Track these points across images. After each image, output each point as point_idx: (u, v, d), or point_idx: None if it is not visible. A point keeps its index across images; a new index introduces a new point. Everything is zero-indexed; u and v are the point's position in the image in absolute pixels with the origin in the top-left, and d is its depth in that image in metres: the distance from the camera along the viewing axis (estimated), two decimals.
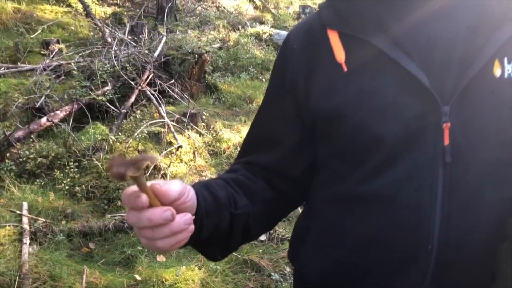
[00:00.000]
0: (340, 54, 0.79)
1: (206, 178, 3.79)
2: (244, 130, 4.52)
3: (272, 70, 0.95)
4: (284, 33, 8.54)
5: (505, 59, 0.73)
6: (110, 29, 6.08)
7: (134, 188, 0.63)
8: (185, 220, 0.65)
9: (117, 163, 0.59)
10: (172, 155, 3.89)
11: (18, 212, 2.99)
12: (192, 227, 0.67)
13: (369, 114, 0.76)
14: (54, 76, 4.71)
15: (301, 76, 0.84)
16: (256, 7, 12.20)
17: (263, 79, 6.45)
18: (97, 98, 4.24)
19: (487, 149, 0.73)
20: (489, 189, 0.74)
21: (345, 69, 0.79)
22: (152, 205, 0.62)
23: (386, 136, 0.75)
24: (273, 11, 11.89)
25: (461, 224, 0.73)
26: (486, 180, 0.73)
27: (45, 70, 4.71)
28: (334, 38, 0.81)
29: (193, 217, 0.68)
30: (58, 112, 4.03)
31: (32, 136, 3.78)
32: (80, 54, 5.23)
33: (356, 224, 0.81)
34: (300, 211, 1.03)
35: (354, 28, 0.79)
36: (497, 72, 0.72)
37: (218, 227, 0.78)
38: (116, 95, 4.44)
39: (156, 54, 5.06)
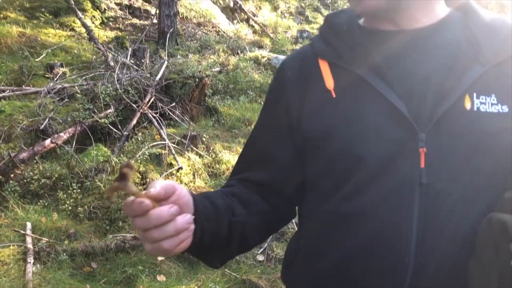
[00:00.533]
0: (329, 82, 0.89)
1: None
2: None
3: (267, 92, 1.04)
4: (282, 57, 8.72)
5: (474, 95, 0.82)
6: (113, 53, 6.23)
7: (132, 198, 0.71)
8: (187, 219, 0.73)
9: (110, 189, 0.69)
10: (173, 176, 3.98)
11: (22, 232, 3.06)
12: (193, 226, 0.75)
13: (353, 136, 0.85)
14: (58, 98, 4.82)
15: (295, 100, 0.93)
16: (255, 32, 12.44)
17: (262, 102, 6.57)
18: (99, 120, 4.35)
19: (459, 173, 0.82)
20: (461, 209, 0.82)
21: (334, 95, 0.88)
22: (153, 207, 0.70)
23: (368, 157, 0.83)
24: (271, 35, 12.11)
25: (434, 240, 0.81)
26: (458, 201, 0.82)
27: (49, 93, 4.83)
28: (324, 67, 0.91)
29: (193, 216, 0.76)
30: (61, 134, 4.13)
31: (36, 158, 3.86)
32: (84, 77, 5.36)
33: (340, 240, 0.88)
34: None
35: (343, 59, 0.89)
36: (468, 105, 0.82)
37: (218, 233, 0.85)
38: (118, 118, 4.55)
39: (157, 77, 5.19)
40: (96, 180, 3.55)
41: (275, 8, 15.21)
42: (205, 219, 0.82)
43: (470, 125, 0.81)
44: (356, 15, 0.95)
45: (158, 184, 0.73)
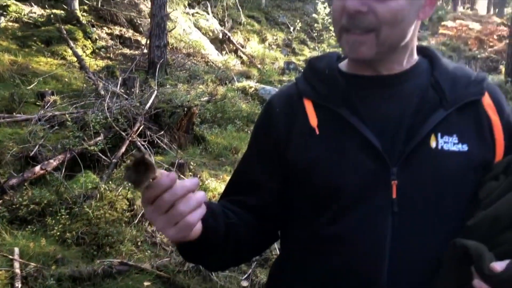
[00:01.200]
0: (313, 120, 1.01)
1: None
2: None
3: (256, 124, 1.15)
4: (269, 88, 8.93)
5: (439, 135, 0.96)
6: (103, 82, 6.37)
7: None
8: (202, 193, 0.82)
9: (131, 171, 0.71)
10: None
11: (10, 256, 3.10)
12: (204, 206, 0.83)
13: (334, 168, 0.98)
14: (48, 126, 4.91)
15: (282, 133, 1.04)
16: (243, 63, 12.70)
17: (248, 131, 6.72)
18: (89, 148, 4.44)
19: (427, 203, 0.95)
20: (429, 235, 0.94)
21: (317, 132, 1.00)
22: None
23: (347, 187, 0.96)
24: (259, 66, 12.36)
25: (405, 262, 0.93)
26: (426, 228, 0.94)
27: (39, 120, 4.92)
28: (309, 106, 1.03)
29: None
30: (51, 160, 4.20)
31: (25, 184, 3.93)
32: (74, 105, 5.47)
33: (322, 261, 1.00)
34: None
35: (325, 100, 1.02)
36: (433, 144, 0.95)
37: (217, 231, 0.94)
38: (108, 145, 4.64)
39: (147, 106, 5.32)
40: (85, 206, 3.62)
41: (263, 40, 15.57)
42: (208, 217, 0.89)
43: (435, 161, 0.95)
44: (335, 60, 1.09)
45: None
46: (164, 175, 0.76)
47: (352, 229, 0.95)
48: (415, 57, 1.06)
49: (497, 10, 32.54)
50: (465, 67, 1.09)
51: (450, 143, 0.96)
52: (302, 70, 1.14)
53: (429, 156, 0.95)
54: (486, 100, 1.01)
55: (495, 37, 17.98)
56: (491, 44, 17.24)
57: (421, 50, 1.09)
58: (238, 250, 1.04)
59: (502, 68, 11.70)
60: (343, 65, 1.09)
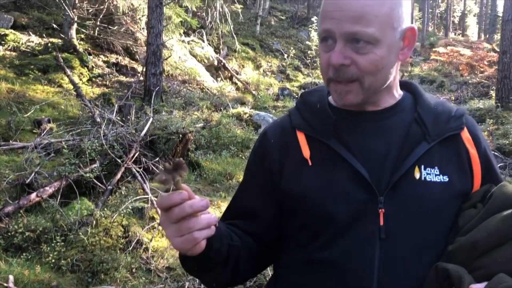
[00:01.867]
0: (306, 151, 1.08)
1: None
2: (224, 205, 4.76)
3: (251, 154, 1.21)
4: (263, 113, 9.05)
5: (422, 166, 1.04)
6: (99, 109, 6.45)
7: (168, 192, 0.85)
8: (214, 217, 0.89)
9: (164, 172, 0.82)
10: (154, 230, 4.09)
11: (4, 284, 3.11)
12: (214, 228, 0.90)
13: (326, 198, 1.04)
14: (44, 153, 4.97)
15: (276, 163, 1.11)
16: (238, 89, 12.87)
17: (243, 157, 6.79)
18: (85, 175, 4.48)
19: (411, 230, 1.01)
20: (413, 259, 1.01)
21: (310, 163, 1.07)
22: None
23: (338, 216, 1.02)
24: (254, 92, 12.52)
25: (392, 284, 1.00)
26: (411, 253, 1.01)
27: (36, 147, 4.97)
28: (301, 138, 1.10)
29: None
30: (47, 188, 4.24)
31: (21, 211, 3.95)
32: (70, 132, 5.54)
33: (313, 284, 1.06)
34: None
35: (316, 132, 1.09)
36: (417, 175, 1.03)
37: (220, 251, 1.00)
38: (103, 172, 4.69)
39: (142, 133, 5.39)
40: (80, 233, 3.65)
41: (258, 67, 15.81)
42: (215, 237, 0.96)
43: (419, 191, 1.02)
44: (326, 94, 1.16)
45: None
46: (177, 192, 0.85)
47: (343, 254, 1.01)
48: (399, 92, 1.14)
49: (487, 36, 33.21)
50: (446, 102, 1.18)
51: (432, 175, 1.03)
52: (296, 103, 1.22)
53: (413, 186, 1.02)
54: (465, 134, 1.09)
55: (485, 62, 18.33)
56: (481, 69, 17.55)
57: (405, 85, 1.18)
58: (236, 271, 1.09)
59: (493, 93, 11.90)
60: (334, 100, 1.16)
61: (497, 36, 20.38)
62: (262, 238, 1.14)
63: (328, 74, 1.03)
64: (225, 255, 1.03)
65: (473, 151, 1.08)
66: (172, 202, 0.85)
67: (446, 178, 1.03)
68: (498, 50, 11.58)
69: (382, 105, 1.10)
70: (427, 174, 1.03)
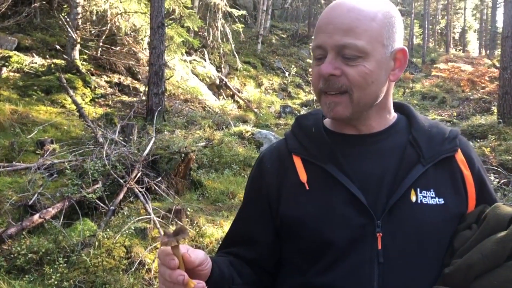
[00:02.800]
0: (303, 176, 1.09)
1: None
2: (226, 225, 4.75)
3: (249, 180, 1.22)
4: (265, 131, 9.07)
5: (418, 189, 1.05)
6: (102, 129, 6.49)
7: (168, 250, 0.91)
8: (199, 285, 0.93)
9: (167, 234, 0.91)
10: (157, 250, 4.07)
11: None
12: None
13: (324, 223, 1.05)
14: (47, 174, 4.98)
15: (273, 188, 1.12)
16: (240, 107, 12.93)
17: (245, 175, 6.79)
18: (87, 195, 4.49)
19: (409, 253, 1.02)
20: (411, 282, 1.01)
21: (307, 187, 1.08)
22: (179, 266, 0.92)
23: (336, 241, 1.03)
24: (255, 110, 12.57)
25: None
26: (409, 276, 1.01)
27: (39, 168, 4.99)
28: (298, 162, 1.12)
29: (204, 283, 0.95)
30: (50, 209, 4.25)
31: (23, 233, 3.95)
32: (73, 153, 5.56)
33: None
34: None
35: (312, 156, 1.10)
36: (413, 198, 1.04)
37: None
38: (106, 193, 4.69)
39: (145, 153, 5.42)
40: (82, 255, 3.64)
41: (259, 85, 15.91)
42: (214, 284, 1.02)
43: (415, 214, 1.03)
44: (321, 117, 1.18)
45: (197, 255, 0.95)
46: (170, 258, 0.91)
47: (342, 279, 1.02)
48: (393, 114, 1.16)
49: (488, 51, 33.39)
50: (440, 123, 1.18)
51: (428, 197, 1.04)
52: (291, 127, 1.23)
53: (410, 209, 1.03)
54: (459, 156, 1.11)
55: (486, 78, 18.38)
56: (483, 85, 17.60)
57: (398, 107, 1.19)
58: None
59: (495, 109, 11.91)
60: (329, 122, 1.18)
61: (498, 52, 20.51)
62: (261, 266, 1.15)
63: (318, 87, 1.05)
64: None
65: (467, 172, 1.09)
66: (159, 258, 0.94)
67: (441, 201, 1.04)
68: (498, 66, 11.63)
69: (376, 127, 1.11)
70: (423, 197, 1.04)
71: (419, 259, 1.01)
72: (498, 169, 7.66)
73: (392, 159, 1.08)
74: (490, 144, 9.13)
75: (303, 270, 1.07)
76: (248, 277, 1.13)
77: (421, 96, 16.95)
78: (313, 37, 1.08)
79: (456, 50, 35.66)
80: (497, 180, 7.03)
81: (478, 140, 9.61)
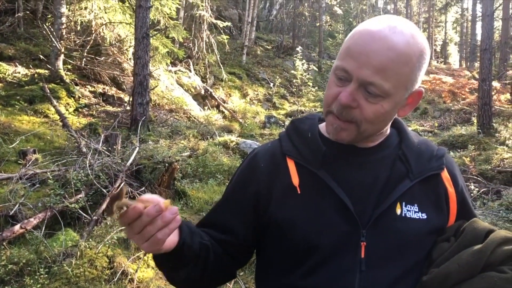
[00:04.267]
0: (295, 179, 1.10)
1: None
2: None
3: (238, 174, 1.21)
4: (250, 141, 9.11)
5: (404, 203, 1.09)
6: (86, 139, 6.46)
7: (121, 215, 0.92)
8: (171, 211, 0.93)
9: (107, 207, 0.92)
10: (140, 260, 4.06)
11: None
12: (179, 217, 0.96)
13: (312, 227, 1.07)
14: (29, 184, 4.94)
15: (264, 188, 1.12)
16: (225, 117, 12.96)
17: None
18: (70, 205, 4.46)
19: (391, 263, 1.05)
20: None
21: (299, 191, 1.09)
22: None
23: (322, 245, 1.06)
24: (240, 120, 12.61)
25: None
26: (389, 284, 1.04)
27: (21, 178, 4.94)
28: (291, 165, 1.12)
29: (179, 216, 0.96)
30: (31, 219, 4.21)
31: (4, 243, 3.91)
32: (56, 163, 5.52)
33: None
34: None
35: (306, 161, 1.12)
36: (398, 211, 1.08)
37: (192, 248, 1.05)
38: (89, 202, 4.67)
39: (128, 163, 5.40)
40: (64, 265, 3.61)
41: (244, 95, 15.98)
42: (186, 234, 1.03)
43: (399, 227, 1.07)
44: (317, 122, 1.20)
45: (146, 196, 0.96)
46: (131, 208, 0.91)
47: (325, 284, 1.05)
48: (388, 131, 1.19)
49: (468, 64, 34.05)
50: (428, 141, 1.23)
51: (411, 211, 1.08)
52: (285, 129, 1.25)
53: (394, 221, 1.06)
54: (445, 174, 1.15)
55: (467, 90, 18.75)
56: (463, 96, 17.94)
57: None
58: (205, 268, 1.12)
59: (474, 119, 12.15)
60: (323, 127, 1.19)
61: (477, 64, 20.95)
62: (231, 251, 1.17)
63: (330, 107, 1.05)
64: (197, 252, 1.07)
65: (451, 190, 1.14)
66: (127, 221, 0.93)
67: (424, 216, 1.08)
68: (478, 77, 11.89)
69: (371, 144, 1.14)
70: (407, 210, 1.08)
71: (400, 269, 1.05)
72: (478, 179, 7.81)
73: (382, 171, 1.11)
74: (470, 154, 9.30)
75: (287, 272, 1.10)
76: (215, 248, 1.14)
77: None
78: (339, 53, 1.05)
79: (437, 62, 36.27)
80: (477, 189, 7.16)
81: (459, 150, 9.79)
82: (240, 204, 1.17)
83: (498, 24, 24.17)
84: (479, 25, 27.47)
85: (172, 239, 0.99)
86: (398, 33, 0.99)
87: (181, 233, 1.03)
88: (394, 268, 1.05)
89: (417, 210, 1.08)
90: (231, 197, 1.21)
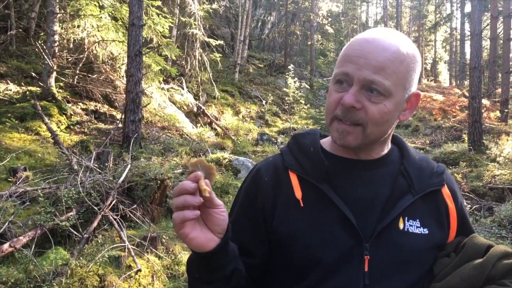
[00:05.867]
0: (298, 192, 1.11)
1: None
2: None
3: (244, 190, 1.20)
4: (242, 158, 9.10)
5: (406, 218, 1.10)
6: (77, 156, 6.41)
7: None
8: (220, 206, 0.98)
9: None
10: (131, 279, 4.00)
11: None
12: (225, 213, 0.98)
13: (314, 240, 1.07)
14: (19, 202, 4.87)
15: (269, 201, 1.12)
16: (217, 134, 12.97)
17: (223, 202, 6.74)
18: (61, 223, 4.40)
19: (394, 277, 1.05)
20: None
21: (302, 204, 1.10)
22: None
23: (325, 259, 1.05)
24: (233, 138, 12.62)
25: None
26: None
27: (11, 196, 4.88)
28: (294, 179, 1.13)
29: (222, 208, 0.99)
30: (21, 237, 4.15)
31: None
32: (47, 180, 5.47)
33: None
34: None
35: (309, 175, 1.13)
36: (401, 226, 1.09)
37: (224, 266, 1.02)
38: (80, 220, 4.61)
39: (120, 180, 5.36)
40: (54, 284, 3.54)
41: (237, 113, 16.03)
42: (224, 251, 1.01)
43: (402, 241, 1.07)
44: (318, 137, 1.21)
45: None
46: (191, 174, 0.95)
47: None
48: (389, 145, 1.21)
49: (458, 82, 34.49)
50: (428, 158, 1.25)
51: (414, 226, 1.09)
52: (287, 143, 1.25)
53: (397, 236, 1.07)
54: (445, 190, 1.17)
55: (457, 107, 18.98)
56: (454, 114, 18.14)
57: (391, 137, 1.23)
58: None
59: (465, 136, 12.25)
60: (325, 143, 1.21)
61: (467, 82, 21.23)
62: (250, 274, 1.14)
63: (334, 112, 1.07)
64: (229, 274, 1.03)
65: (451, 206, 1.15)
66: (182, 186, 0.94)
67: (426, 231, 1.09)
68: (468, 95, 12.03)
69: (374, 155, 1.15)
70: (410, 225, 1.09)
71: (402, 282, 1.05)
72: (470, 195, 7.83)
73: (385, 186, 1.12)
74: (462, 171, 9.35)
75: (288, 286, 1.09)
76: (245, 275, 1.11)
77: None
78: (337, 62, 1.09)
79: (428, 80, 36.70)
80: (469, 205, 7.19)
81: (450, 167, 9.84)
82: (252, 222, 1.15)
83: (486, 43, 24.59)
84: (468, 44, 27.95)
85: (211, 239, 0.98)
86: (390, 37, 1.06)
87: (223, 240, 1.00)
88: (397, 283, 1.05)
89: (419, 225, 1.09)
90: (241, 217, 1.18)
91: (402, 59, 1.04)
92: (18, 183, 5.38)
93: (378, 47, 1.03)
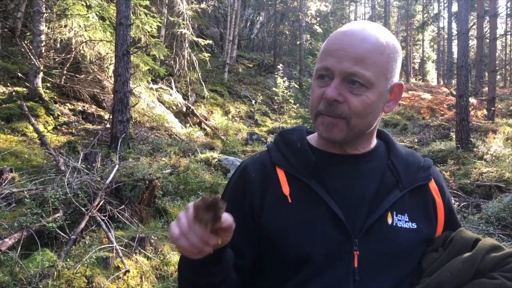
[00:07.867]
0: (286, 188, 1.11)
1: None
2: None
3: (231, 187, 1.19)
4: (232, 158, 9.08)
5: (394, 213, 1.10)
6: (64, 157, 6.35)
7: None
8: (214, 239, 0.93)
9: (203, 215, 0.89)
10: (119, 280, 3.97)
11: None
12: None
13: (304, 237, 1.06)
14: (5, 204, 4.81)
15: (257, 198, 1.12)
16: (207, 134, 12.93)
17: None
18: (47, 224, 4.35)
19: (383, 272, 1.05)
20: None
21: (290, 200, 1.09)
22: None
23: (315, 256, 1.05)
24: (222, 137, 12.59)
25: None
26: None
27: None
28: (281, 175, 1.13)
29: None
30: (6, 239, 4.09)
31: None
32: (33, 182, 5.40)
33: None
34: None
35: (296, 171, 1.12)
36: (389, 220, 1.09)
37: (216, 273, 1.02)
38: (67, 221, 4.56)
39: (108, 181, 5.31)
40: (41, 286, 3.50)
41: (226, 113, 16.00)
42: (220, 259, 1.00)
43: (390, 236, 1.08)
44: (305, 134, 1.21)
45: (226, 218, 0.93)
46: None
47: None
48: (375, 139, 1.21)
49: (446, 81, 34.79)
50: (415, 152, 1.25)
51: (402, 221, 1.10)
52: (273, 140, 1.24)
53: (385, 230, 1.08)
54: (432, 185, 1.17)
55: (445, 106, 19.13)
56: (442, 112, 18.28)
57: (377, 133, 1.24)
58: None
59: (453, 135, 12.36)
60: (312, 139, 1.20)
61: (455, 81, 21.42)
62: (241, 275, 1.13)
63: (318, 108, 1.07)
64: (217, 282, 1.03)
65: (439, 200, 1.16)
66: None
67: (414, 225, 1.10)
68: (455, 94, 12.13)
69: (360, 150, 1.15)
70: (398, 220, 1.09)
71: (392, 278, 1.05)
72: (458, 193, 7.90)
73: (372, 181, 1.12)
74: (450, 169, 9.43)
75: (279, 284, 1.08)
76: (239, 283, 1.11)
77: (383, 123, 17.42)
78: (318, 58, 1.10)
79: (416, 79, 36.97)
80: (457, 203, 7.25)
81: (439, 165, 9.92)
82: (240, 220, 1.09)
83: (473, 42, 24.81)
84: (455, 43, 28.18)
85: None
86: (368, 29, 1.07)
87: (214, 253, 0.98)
88: (387, 278, 1.05)
89: (407, 219, 1.10)
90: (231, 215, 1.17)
91: (381, 49, 1.05)
92: (4, 184, 5.30)
93: (357, 39, 1.04)
